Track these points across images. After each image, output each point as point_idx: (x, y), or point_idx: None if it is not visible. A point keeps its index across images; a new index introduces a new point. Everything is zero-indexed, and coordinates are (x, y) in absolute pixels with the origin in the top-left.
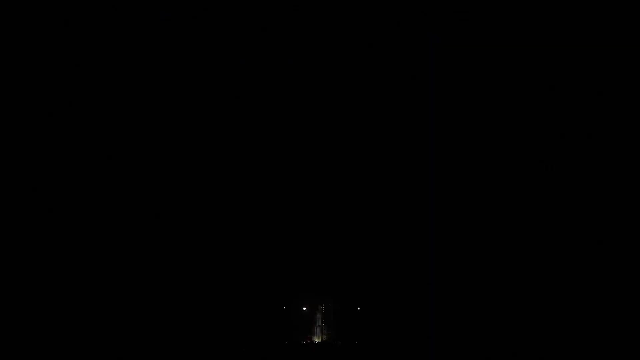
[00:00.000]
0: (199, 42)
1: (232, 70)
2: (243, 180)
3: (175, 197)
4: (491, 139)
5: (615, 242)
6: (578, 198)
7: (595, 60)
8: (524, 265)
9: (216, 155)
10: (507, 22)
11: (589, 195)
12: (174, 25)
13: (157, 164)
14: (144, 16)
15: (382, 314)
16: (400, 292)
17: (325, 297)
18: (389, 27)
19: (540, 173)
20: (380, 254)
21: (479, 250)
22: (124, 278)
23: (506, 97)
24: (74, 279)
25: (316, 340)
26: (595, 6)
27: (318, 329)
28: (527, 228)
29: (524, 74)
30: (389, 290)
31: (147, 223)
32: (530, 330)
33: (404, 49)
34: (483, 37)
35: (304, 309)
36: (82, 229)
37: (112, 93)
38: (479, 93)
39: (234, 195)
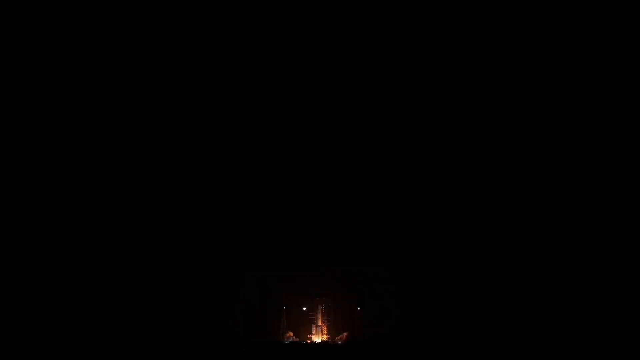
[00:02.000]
0: (198, 42)
1: (232, 70)
2: (245, 181)
3: (175, 196)
4: (491, 139)
5: (615, 242)
6: (578, 198)
7: (595, 60)
8: (523, 265)
9: (216, 155)
10: (507, 22)
11: (588, 195)
12: (174, 25)
13: (155, 163)
14: (144, 16)
15: (382, 314)
16: (401, 292)
17: (325, 297)
18: (389, 27)
19: (540, 173)
20: (380, 254)
21: (478, 250)
22: (123, 278)
23: (506, 97)
24: (73, 278)
25: (316, 340)
26: (595, 6)
27: (318, 329)
28: (527, 228)
29: (523, 74)
30: (389, 291)
31: (147, 223)
32: (529, 330)
33: (404, 49)
34: (483, 37)
35: (304, 309)
36: (82, 229)
37: (112, 93)
38: (478, 93)
39: (235, 195)
